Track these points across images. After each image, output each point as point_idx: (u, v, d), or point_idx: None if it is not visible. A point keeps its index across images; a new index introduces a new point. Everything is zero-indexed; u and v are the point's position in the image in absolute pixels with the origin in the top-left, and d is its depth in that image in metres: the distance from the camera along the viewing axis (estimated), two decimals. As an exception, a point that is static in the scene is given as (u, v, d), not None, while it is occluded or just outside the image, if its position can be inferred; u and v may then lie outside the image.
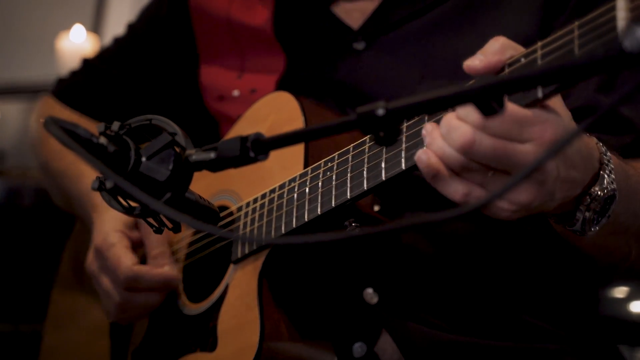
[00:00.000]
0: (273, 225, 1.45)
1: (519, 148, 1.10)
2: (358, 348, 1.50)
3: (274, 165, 1.50)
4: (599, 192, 1.20)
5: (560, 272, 1.57)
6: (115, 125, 1.14)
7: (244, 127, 1.64)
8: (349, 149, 1.36)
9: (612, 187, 1.20)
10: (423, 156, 1.15)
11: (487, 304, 1.53)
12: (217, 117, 1.79)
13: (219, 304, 1.54)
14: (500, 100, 0.98)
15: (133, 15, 4.62)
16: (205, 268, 1.63)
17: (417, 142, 1.23)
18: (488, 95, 0.98)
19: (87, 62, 1.95)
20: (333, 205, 1.35)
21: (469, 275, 1.54)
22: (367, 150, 1.32)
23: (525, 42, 1.48)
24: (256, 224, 1.49)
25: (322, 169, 1.39)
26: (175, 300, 1.65)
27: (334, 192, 1.36)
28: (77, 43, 3.79)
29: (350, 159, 1.35)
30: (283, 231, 1.43)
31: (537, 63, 1.09)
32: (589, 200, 1.20)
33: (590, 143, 1.21)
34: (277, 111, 1.56)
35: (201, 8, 1.79)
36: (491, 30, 1.54)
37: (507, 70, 1.13)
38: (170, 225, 1.22)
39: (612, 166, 1.21)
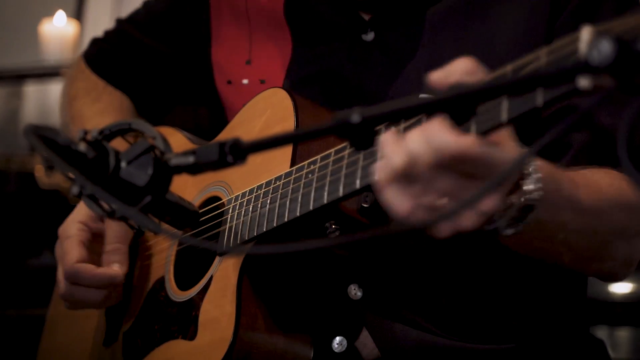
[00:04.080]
0: (257, 222, 1.48)
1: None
2: (338, 342, 1.53)
3: (265, 160, 1.53)
4: (514, 201, 1.20)
5: (546, 271, 1.58)
6: (95, 131, 1.16)
7: (242, 120, 1.67)
8: (331, 152, 1.37)
9: (532, 196, 1.20)
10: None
11: (473, 306, 1.55)
12: (224, 102, 1.80)
13: (203, 294, 1.57)
14: (473, 109, 1.00)
15: (113, 3, 4.58)
16: (196, 256, 1.66)
17: None
18: (461, 104, 1.00)
19: (120, 26, 1.95)
20: (311, 208, 1.37)
21: (457, 276, 1.55)
22: (346, 156, 1.33)
23: (533, 40, 1.48)
24: (242, 219, 1.52)
25: (305, 171, 1.42)
26: (166, 285, 1.68)
27: (312, 195, 1.38)
28: (60, 27, 3.79)
29: (330, 163, 1.36)
30: (265, 229, 1.47)
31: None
32: (505, 206, 1.19)
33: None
34: (272, 108, 1.58)
35: None
36: (500, 26, 1.54)
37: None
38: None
39: (538, 176, 1.21)
